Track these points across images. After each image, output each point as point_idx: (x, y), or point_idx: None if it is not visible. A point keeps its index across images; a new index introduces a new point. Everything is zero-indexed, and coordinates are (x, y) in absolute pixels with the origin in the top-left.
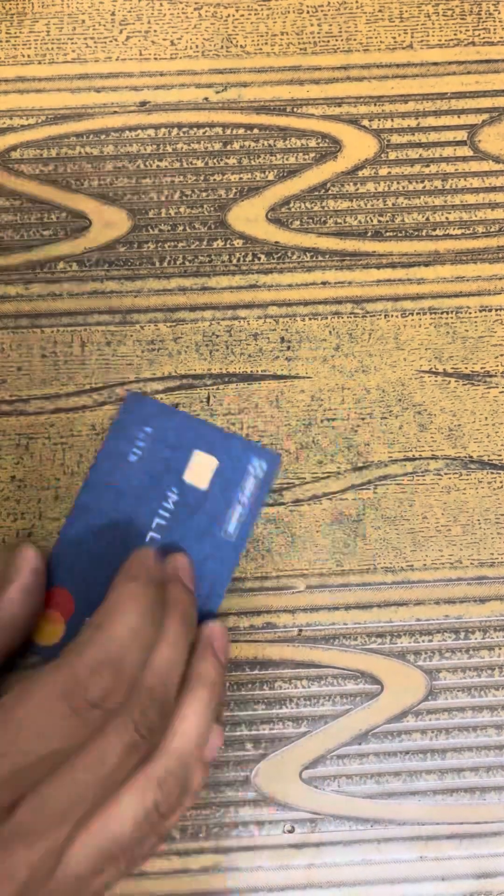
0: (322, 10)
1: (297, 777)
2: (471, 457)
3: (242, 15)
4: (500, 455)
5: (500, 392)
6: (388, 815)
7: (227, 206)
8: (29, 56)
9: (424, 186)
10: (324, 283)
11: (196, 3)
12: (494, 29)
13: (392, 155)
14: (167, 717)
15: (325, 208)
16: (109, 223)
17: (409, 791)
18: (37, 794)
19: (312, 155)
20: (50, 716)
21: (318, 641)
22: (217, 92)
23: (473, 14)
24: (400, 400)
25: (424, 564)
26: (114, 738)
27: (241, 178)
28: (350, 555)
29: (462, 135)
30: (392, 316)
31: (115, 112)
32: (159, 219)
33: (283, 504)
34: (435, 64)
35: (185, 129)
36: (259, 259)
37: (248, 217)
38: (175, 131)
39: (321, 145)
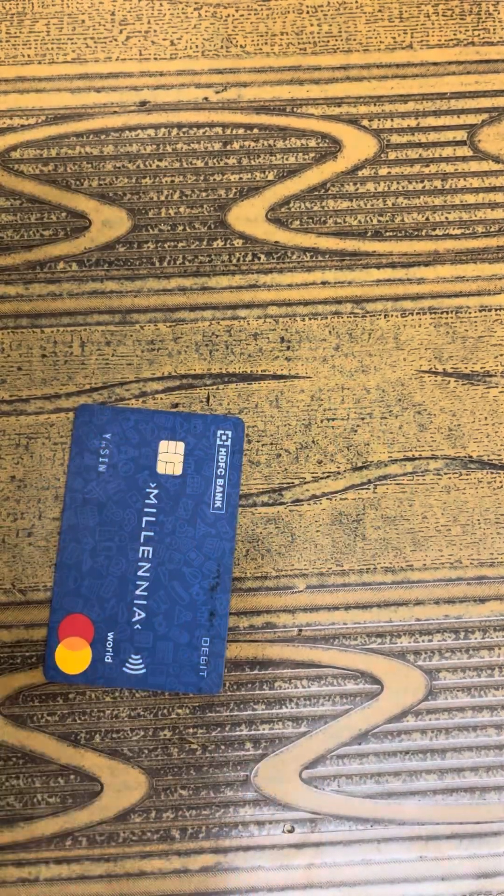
0: (322, 11)
1: (296, 777)
2: (470, 456)
3: (242, 15)
4: (499, 455)
5: (500, 392)
6: (387, 815)
7: (226, 205)
8: (29, 56)
9: (424, 186)
10: (324, 283)
11: (196, 4)
12: (494, 29)
13: (392, 155)
14: None
15: (325, 208)
16: (109, 223)
17: (408, 791)
18: None
19: (312, 155)
20: None
21: (317, 641)
22: (217, 92)
23: (473, 14)
24: (400, 400)
25: (424, 564)
26: None
27: (240, 178)
28: (350, 555)
29: (462, 135)
30: (392, 316)
31: (115, 112)
32: (159, 219)
33: (283, 504)
34: (435, 64)
35: (184, 129)
36: (259, 259)
37: (248, 217)
38: (175, 131)
39: (321, 145)
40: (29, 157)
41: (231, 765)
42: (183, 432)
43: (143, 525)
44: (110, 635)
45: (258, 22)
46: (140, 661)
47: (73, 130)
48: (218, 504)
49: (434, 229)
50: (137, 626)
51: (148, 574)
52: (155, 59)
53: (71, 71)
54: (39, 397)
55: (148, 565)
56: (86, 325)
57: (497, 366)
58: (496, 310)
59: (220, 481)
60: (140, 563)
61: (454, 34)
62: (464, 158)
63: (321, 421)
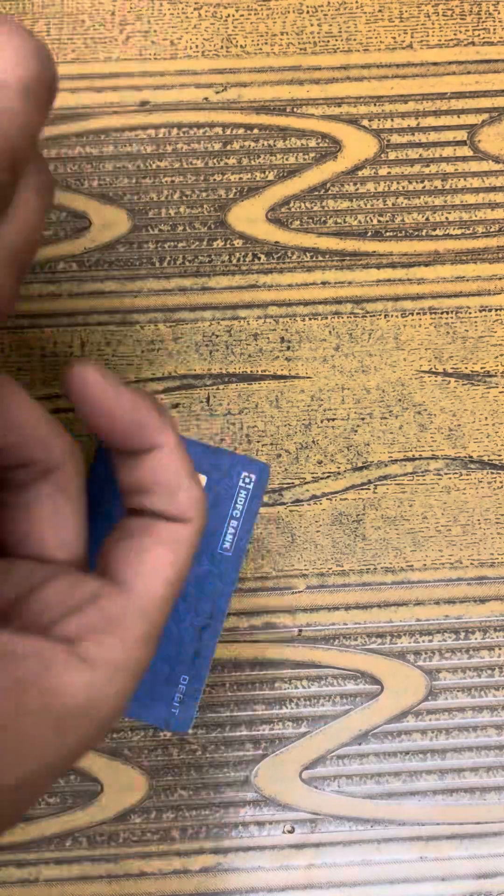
0: (322, 11)
1: (297, 777)
2: (471, 457)
3: (242, 15)
4: (500, 455)
5: (501, 392)
6: (388, 816)
7: (226, 206)
8: None
9: (424, 186)
10: (324, 283)
11: (196, 3)
12: (494, 29)
13: (392, 155)
14: None
15: (325, 208)
16: (109, 223)
17: (409, 791)
18: None
19: (312, 155)
20: None
21: (317, 642)
22: (217, 92)
23: (473, 14)
24: (400, 400)
25: (424, 564)
26: None
27: (240, 178)
28: (350, 555)
29: (462, 135)
30: (392, 316)
31: (115, 112)
32: (159, 219)
33: (283, 504)
34: (435, 64)
35: (184, 129)
36: (259, 259)
37: (248, 217)
38: (175, 131)
39: (321, 145)
40: None
41: (231, 765)
42: (207, 465)
43: None
44: None
45: (258, 22)
46: None
47: (73, 131)
48: (227, 545)
49: (434, 229)
50: None
51: None
52: (155, 59)
53: (71, 71)
54: (40, 398)
55: None
56: (86, 325)
57: (497, 366)
58: (496, 310)
59: (234, 523)
60: None
61: (454, 34)
62: (464, 158)
63: (321, 421)
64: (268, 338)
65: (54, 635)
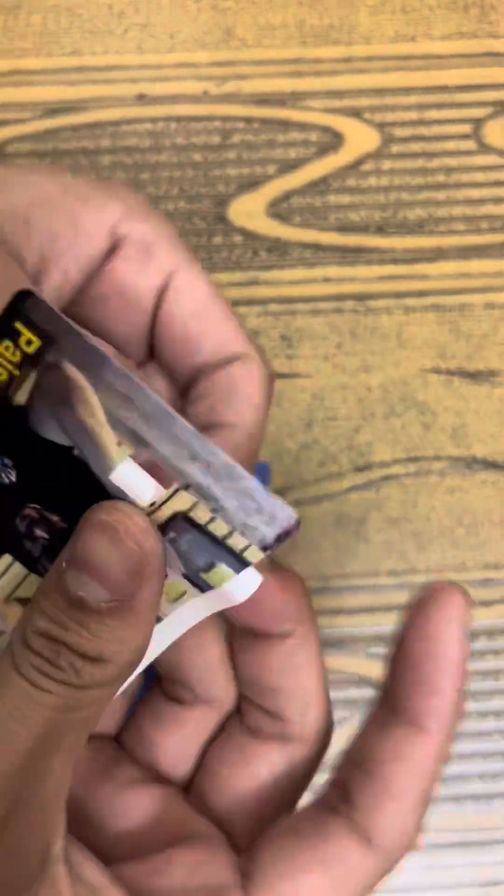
0: (323, 3)
1: None
2: (475, 457)
3: (242, 7)
4: None
5: None
6: None
7: (226, 200)
8: (25, 49)
9: (428, 181)
10: (325, 280)
11: None
12: (498, 21)
13: (395, 149)
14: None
15: (327, 203)
16: None
17: None
18: None
19: (313, 149)
20: None
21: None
22: (216, 85)
23: (476, 6)
24: (403, 399)
25: (428, 567)
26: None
27: (240, 173)
28: (352, 557)
29: (466, 128)
30: (395, 313)
31: (113, 105)
32: None
33: None
34: (438, 57)
35: (183, 123)
36: (259, 255)
37: (248, 212)
38: (174, 125)
39: (322, 139)
40: (24, 151)
41: None
42: None
43: None
44: None
45: (258, 14)
46: None
47: (70, 124)
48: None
49: (438, 225)
50: None
51: None
52: (153, 51)
53: (68, 64)
54: None
55: None
56: None
57: (502, 364)
58: (501, 307)
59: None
60: None
61: (458, 27)
62: (468, 152)
63: (322, 420)
64: (268, 335)
65: None
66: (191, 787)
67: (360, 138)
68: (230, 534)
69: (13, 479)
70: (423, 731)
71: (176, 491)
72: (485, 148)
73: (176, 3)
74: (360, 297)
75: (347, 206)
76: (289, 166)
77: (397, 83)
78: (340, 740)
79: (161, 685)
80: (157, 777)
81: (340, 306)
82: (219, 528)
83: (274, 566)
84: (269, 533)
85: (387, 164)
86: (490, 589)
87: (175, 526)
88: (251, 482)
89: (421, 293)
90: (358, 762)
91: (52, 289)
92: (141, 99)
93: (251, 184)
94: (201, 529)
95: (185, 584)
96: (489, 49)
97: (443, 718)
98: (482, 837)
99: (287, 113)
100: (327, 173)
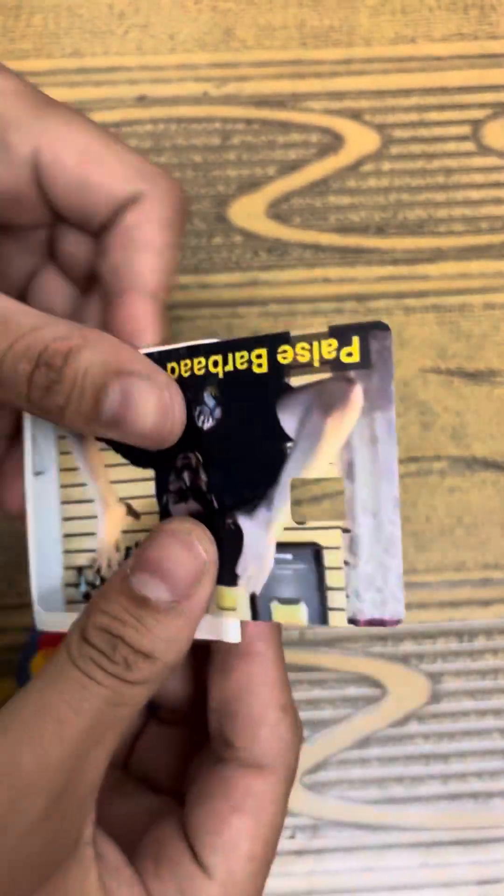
0: (323, 4)
1: (297, 783)
2: (475, 457)
3: (242, 8)
4: None
5: None
6: (390, 822)
7: (226, 201)
8: (26, 50)
9: (427, 182)
10: (325, 280)
11: None
12: (498, 23)
13: (394, 150)
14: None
15: (327, 204)
16: None
17: (411, 797)
18: None
19: (313, 150)
20: None
21: (319, 645)
22: (217, 86)
23: (476, 7)
24: (403, 399)
25: (427, 567)
26: None
27: (240, 174)
28: None
29: (466, 129)
30: (395, 313)
31: (113, 107)
32: None
33: None
34: (438, 58)
35: (184, 124)
36: (259, 256)
37: (248, 213)
38: (174, 126)
39: (322, 140)
40: None
41: None
42: None
43: None
44: None
45: (258, 15)
46: None
47: None
48: None
49: (437, 226)
50: None
51: None
52: (154, 52)
53: (68, 65)
54: None
55: None
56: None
57: (502, 364)
58: (501, 307)
59: None
60: None
61: (458, 28)
62: (468, 154)
63: None
64: None
65: None
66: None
67: (359, 140)
68: (339, 589)
69: (208, 425)
70: (251, 652)
71: (331, 528)
72: (484, 149)
73: (176, 4)
74: (360, 298)
75: (347, 206)
76: (289, 167)
77: (397, 85)
78: (338, 740)
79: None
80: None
81: (340, 307)
82: (334, 579)
83: None
84: (368, 613)
85: (387, 166)
86: (490, 589)
87: (299, 552)
88: (395, 563)
89: (421, 294)
90: (219, 708)
91: None
92: (141, 100)
93: (251, 185)
94: (320, 568)
95: (242, 602)
96: (489, 51)
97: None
98: (480, 836)
99: (287, 114)
100: (327, 174)
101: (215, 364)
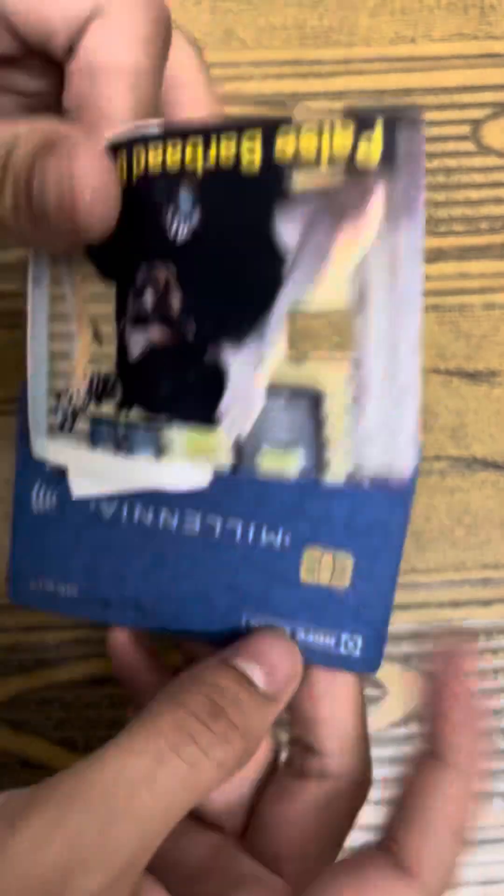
0: (323, 4)
1: None
2: (475, 457)
3: (242, 9)
4: None
5: None
6: None
7: None
8: None
9: (427, 182)
10: None
11: None
12: (498, 23)
13: None
14: None
15: None
16: None
17: None
18: None
19: None
20: None
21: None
22: (216, 86)
23: (476, 8)
24: None
25: (428, 567)
26: None
27: None
28: None
29: (465, 129)
30: None
31: None
32: None
33: None
34: (438, 58)
35: None
36: None
37: None
38: None
39: None
40: None
41: None
42: None
43: None
44: None
45: (258, 15)
46: None
47: None
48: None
49: (437, 226)
50: None
51: None
52: None
53: None
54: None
55: None
56: None
57: (502, 364)
58: (501, 308)
59: None
60: None
61: (458, 28)
62: (468, 153)
63: None
64: None
65: None
66: (245, 833)
67: None
68: (339, 440)
69: (183, 233)
70: (449, 763)
71: (335, 369)
72: (484, 149)
73: (176, 4)
74: None
75: None
76: None
77: (397, 84)
78: None
79: None
80: (209, 825)
81: None
82: (335, 428)
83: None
84: (372, 468)
85: None
86: (490, 589)
87: (294, 398)
88: (409, 412)
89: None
90: (397, 801)
91: None
92: None
93: None
94: (319, 414)
95: (222, 447)
96: (489, 50)
97: (465, 751)
98: (482, 836)
99: (288, 114)
100: None
101: (193, 157)
